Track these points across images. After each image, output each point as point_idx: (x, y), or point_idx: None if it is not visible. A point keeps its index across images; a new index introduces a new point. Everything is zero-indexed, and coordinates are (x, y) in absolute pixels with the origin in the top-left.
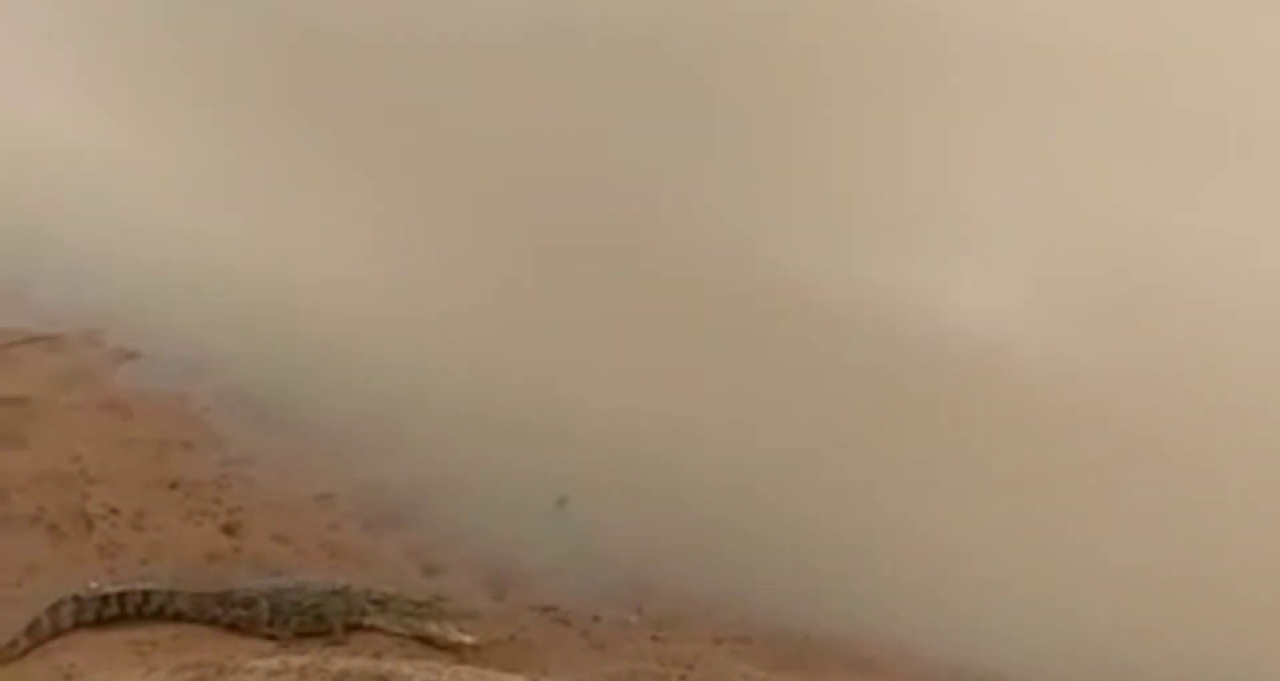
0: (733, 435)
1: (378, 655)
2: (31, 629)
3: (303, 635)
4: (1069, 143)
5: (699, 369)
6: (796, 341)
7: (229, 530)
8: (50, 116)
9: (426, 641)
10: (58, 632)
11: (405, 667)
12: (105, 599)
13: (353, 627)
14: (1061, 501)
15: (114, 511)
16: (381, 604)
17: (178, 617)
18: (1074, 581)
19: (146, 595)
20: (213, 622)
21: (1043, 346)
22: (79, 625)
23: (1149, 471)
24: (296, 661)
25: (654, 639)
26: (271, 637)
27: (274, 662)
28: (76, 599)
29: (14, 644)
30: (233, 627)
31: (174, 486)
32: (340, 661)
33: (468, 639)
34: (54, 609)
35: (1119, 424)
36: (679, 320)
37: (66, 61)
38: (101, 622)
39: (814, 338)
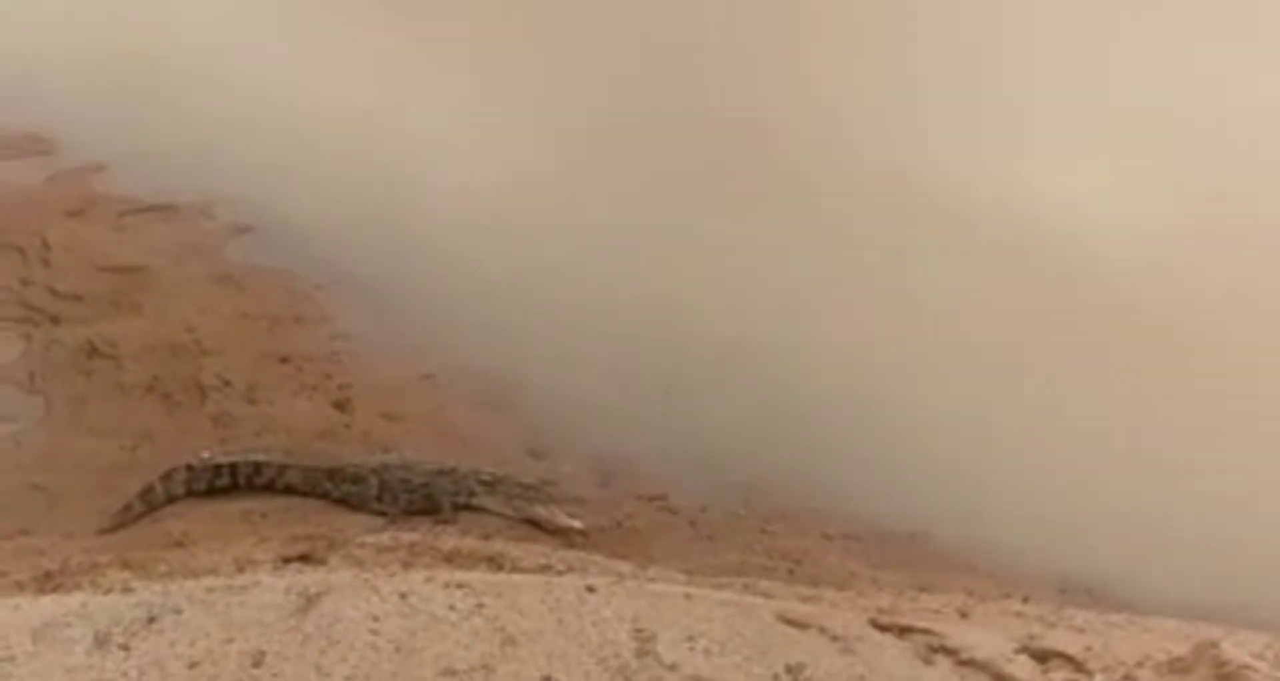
0: (848, 332)
1: (487, 536)
2: (145, 495)
3: (411, 513)
4: (1192, 50)
5: (812, 261)
6: (913, 236)
7: (339, 406)
8: None
9: (534, 524)
10: (170, 499)
11: (514, 549)
12: (218, 468)
13: (461, 507)
14: (1180, 412)
15: (227, 383)
16: (490, 485)
17: (288, 490)
18: (1185, 495)
19: (258, 466)
20: (322, 497)
21: (1161, 248)
22: (191, 493)
23: (1268, 383)
24: (407, 538)
25: (762, 532)
26: (381, 514)
27: (384, 538)
28: (189, 467)
29: (128, 509)
30: (342, 502)
31: (285, 361)
32: (450, 540)
33: (575, 523)
34: (167, 476)
35: (1241, 329)
36: (796, 212)
37: None
38: (213, 492)
39: (932, 233)
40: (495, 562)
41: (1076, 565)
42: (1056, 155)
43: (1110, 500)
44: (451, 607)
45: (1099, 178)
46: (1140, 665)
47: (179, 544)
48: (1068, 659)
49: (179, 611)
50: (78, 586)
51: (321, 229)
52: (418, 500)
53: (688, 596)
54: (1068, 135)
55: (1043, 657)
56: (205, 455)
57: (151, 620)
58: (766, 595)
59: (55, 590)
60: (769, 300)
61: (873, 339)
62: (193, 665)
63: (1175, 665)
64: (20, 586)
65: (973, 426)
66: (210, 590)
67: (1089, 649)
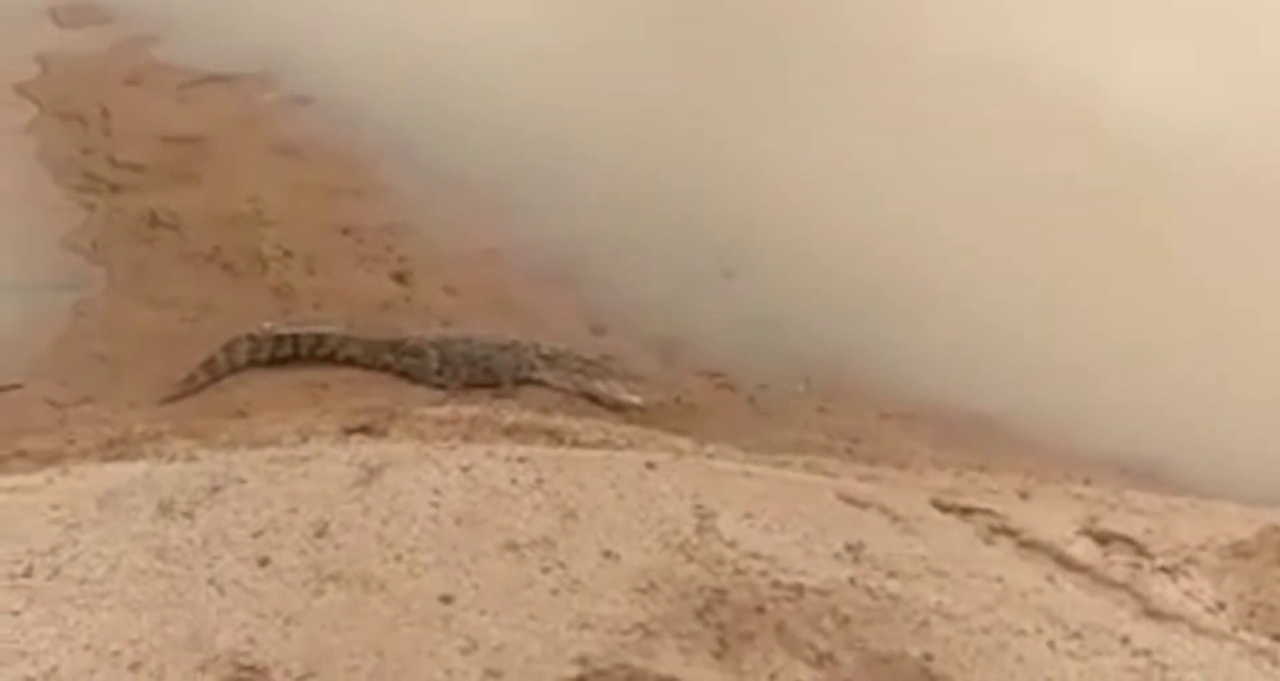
0: (909, 212)
1: (546, 410)
2: (207, 365)
3: (471, 386)
4: None
5: (872, 137)
6: (978, 116)
7: (399, 278)
8: None
9: (593, 400)
10: (232, 369)
11: (574, 424)
12: (279, 339)
13: (521, 382)
14: (1249, 293)
15: (288, 254)
16: (550, 360)
17: (349, 362)
18: (1249, 377)
19: (320, 338)
20: (383, 369)
21: (1225, 133)
22: (252, 363)
23: None
24: (467, 411)
25: (820, 410)
26: (441, 387)
27: (444, 411)
28: (251, 338)
29: (191, 379)
30: (403, 375)
31: (346, 232)
32: (510, 414)
33: (635, 399)
34: (229, 346)
35: None
36: (853, 86)
37: None
38: (274, 362)
39: (996, 112)
40: (555, 437)
41: (1138, 447)
42: (1121, 38)
43: (1173, 382)
44: (513, 481)
45: (1165, 65)
46: (1203, 548)
47: (241, 414)
48: (1129, 541)
49: (243, 481)
50: (141, 455)
51: (383, 101)
52: (478, 374)
53: (747, 474)
54: (1135, 20)
55: (1104, 540)
56: (267, 326)
57: (215, 489)
58: (826, 473)
59: (119, 458)
60: (834, 180)
61: (935, 218)
62: (256, 534)
63: (1238, 548)
64: (85, 454)
65: (1035, 306)
66: (273, 460)
67: (1150, 532)
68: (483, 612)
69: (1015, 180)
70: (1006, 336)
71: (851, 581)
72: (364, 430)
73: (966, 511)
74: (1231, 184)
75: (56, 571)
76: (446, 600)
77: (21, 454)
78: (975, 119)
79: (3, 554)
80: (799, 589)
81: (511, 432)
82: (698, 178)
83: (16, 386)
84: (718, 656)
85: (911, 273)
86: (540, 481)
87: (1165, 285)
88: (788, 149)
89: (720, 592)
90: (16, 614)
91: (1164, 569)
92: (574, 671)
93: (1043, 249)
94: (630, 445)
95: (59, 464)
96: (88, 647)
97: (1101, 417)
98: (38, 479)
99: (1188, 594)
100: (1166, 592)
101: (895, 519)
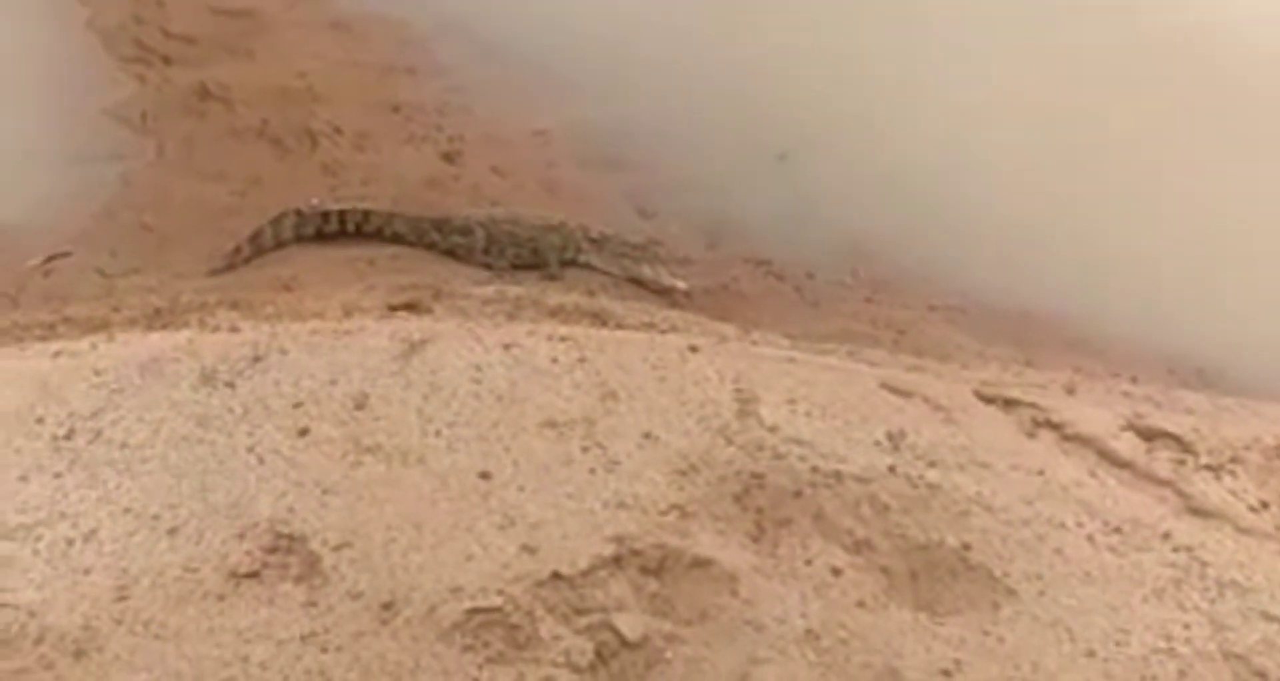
0: (969, 104)
1: (591, 293)
2: (254, 238)
3: (517, 267)
4: None
5: (937, 29)
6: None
7: (448, 158)
8: None
9: (639, 283)
10: (279, 244)
11: (618, 307)
12: (326, 215)
13: (567, 264)
14: None
15: (337, 131)
16: (597, 242)
17: (395, 239)
18: None
19: (366, 214)
20: (429, 247)
21: None
22: (299, 239)
23: None
24: (512, 292)
25: (868, 301)
26: (487, 266)
27: (490, 291)
28: (298, 212)
29: (237, 251)
30: (449, 254)
31: (396, 110)
32: (555, 296)
33: (680, 284)
34: (276, 221)
35: None
36: None
37: None
38: (321, 238)
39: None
40: (599, 319)
41: (1187, 347)
42: None
43: (1224, 283)
44: (554, 360)
45: None
46: (1248, 448)
47: (287, 288)
48: (1175, 439)
49: (284, 352)
50: (186, 324)
51: None
52: (524, 254)
53: (791, 360)
54: None
55: (1149, 436)
56: (314, 201)
57: (257, 359)
58: (870, 363)
59: (164, 327)
60: (895, 70)
61: (996, 110)
62: (297, 404)
63: None
64: (131, 322)
65: (1089, 204)
66: (316, 332)
67: (1196, 430)
68: (520, 489)
69: (1075, 75)
70: (1060, 232)
71: (891, 469)
72: (409, 307)
73: (1010, 403)
74: None
75: (98, 435)
76: (484, 476)
77: (68, 320)
78: (1036, 10)
79: (46, 417)
80: (838, 475)
81: (556, 314)
82: (757, 65)
83: (66, 254)
84: (754, 539)
85: (969, 165)
86: (582, 361)
87: (1225, 186)
88: (850, 39)
89: (759, 477)
90: (58, 476)
91: (1208, 467)
92: (609, 550)
93: (1101, 145)
94: (674, 329)
95: (104, 331)
96: (127, 511)
97: (1152, 317)
98: (82, 345)
99: (1231, 492)
100: (1209, 490)
101: (938, 408)
